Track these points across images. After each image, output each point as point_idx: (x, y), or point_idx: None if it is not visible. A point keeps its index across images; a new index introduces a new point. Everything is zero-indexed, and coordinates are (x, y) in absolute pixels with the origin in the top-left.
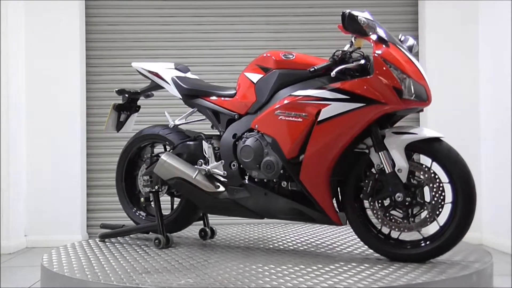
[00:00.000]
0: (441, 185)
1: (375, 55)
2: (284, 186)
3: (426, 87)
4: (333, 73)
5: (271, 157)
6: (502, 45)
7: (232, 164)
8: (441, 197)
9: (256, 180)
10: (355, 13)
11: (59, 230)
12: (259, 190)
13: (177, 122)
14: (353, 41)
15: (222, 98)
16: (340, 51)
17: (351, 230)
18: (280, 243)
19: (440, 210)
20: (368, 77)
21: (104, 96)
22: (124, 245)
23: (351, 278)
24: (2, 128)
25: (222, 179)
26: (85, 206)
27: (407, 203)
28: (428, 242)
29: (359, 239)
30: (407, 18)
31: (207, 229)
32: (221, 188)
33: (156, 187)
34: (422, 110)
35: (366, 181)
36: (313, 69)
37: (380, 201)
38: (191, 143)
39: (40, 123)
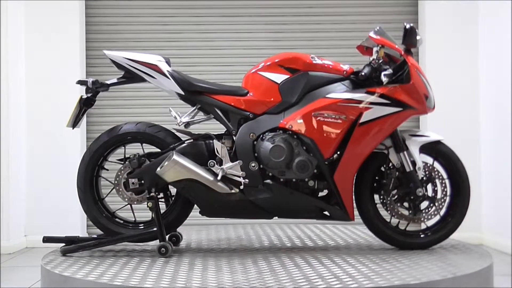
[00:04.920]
0: (443, 181)
1: (410, 65)
2: (311, 185)
3: (433, 95)
4: (385, 80)
5: (303, 157)
6: (502, 45)
7: (252, 165)
8: (445, 192)
9: (281, 180)
10: (414, 27)
11: (59, 230)
12: (284, 190)
13: (184, 120)
14: (378, 50)
15: (233, 96)
16: (373, 60)
17: (335, 228)
18: (273, 243)
19: (444, 203)
20: (406, 84)
21: (104, 96)
22: (123, 245)
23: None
24: (2, 128)
25: (239, 180)
26: None
27: (421, 198)
28: (431, 232)
29: (351, 238)
30: (407, 18)
31: (178, 234)
32: (235, 189)
33: (153, 190)
34: None
35: (386, 179)
36: (363, 74)
37: (396, 197)
38: (198, 142)
39: (40, 123)
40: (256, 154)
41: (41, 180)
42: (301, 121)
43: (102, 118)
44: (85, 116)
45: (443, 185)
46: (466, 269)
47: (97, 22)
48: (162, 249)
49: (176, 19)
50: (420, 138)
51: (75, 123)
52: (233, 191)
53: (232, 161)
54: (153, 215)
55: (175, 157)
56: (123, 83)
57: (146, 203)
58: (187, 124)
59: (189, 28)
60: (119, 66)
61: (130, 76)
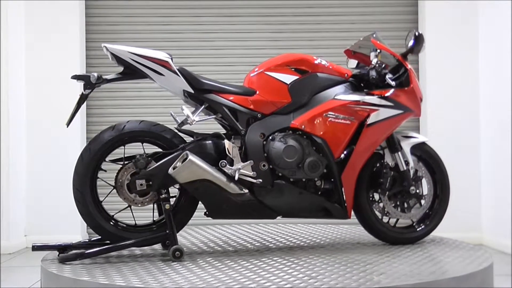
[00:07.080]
0: (430, 179)
1: (409, 69)
2: (318, 185)
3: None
4: (393, 83)
5: (314, 157)
6: (502, 45)
7: (263, 164)
8: (432, 190)
9: (291, 180)
10: (423, 36)
11: (59, 230)
12: (294, 190)
13: (196, 119)
14: (377, 55)
15: (241, 96)
16: (377, 64)
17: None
18: (269, 243)
19: (430, 200)
20: (406, 88)
21: (104, 96)
22: None
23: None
24: (2, 128)
25: (252, 180)
26: None
27: (412, 195)
28: (422, 226)
29: (349, 239)
30: (407, 18)
31: None
32: (245, 190)
33: (163, 192)
34: None
35: (383, 178)
36: (373, 77)
37: (390, 195)
38: (207, 142)
39: (40, 123)
40: (265, 154)
41: (41, 180)
42: (314, 121)
43: (102, 118)
44: (85, 115)
45: (430, 183)
46: (466, 269)
47: (97, 22)
48: (177, 252)
49: (176, 19)
50: (410, 139)
51: (70, 120)
52: (243, 191)
53: (241, 161)
54: (153, 218)
55: (191, 157)
56: (121, 79)
57: (165, 205)
58: (181, 123)
59: (189, 28)
60: (119, 60)
61: (129, 72)
